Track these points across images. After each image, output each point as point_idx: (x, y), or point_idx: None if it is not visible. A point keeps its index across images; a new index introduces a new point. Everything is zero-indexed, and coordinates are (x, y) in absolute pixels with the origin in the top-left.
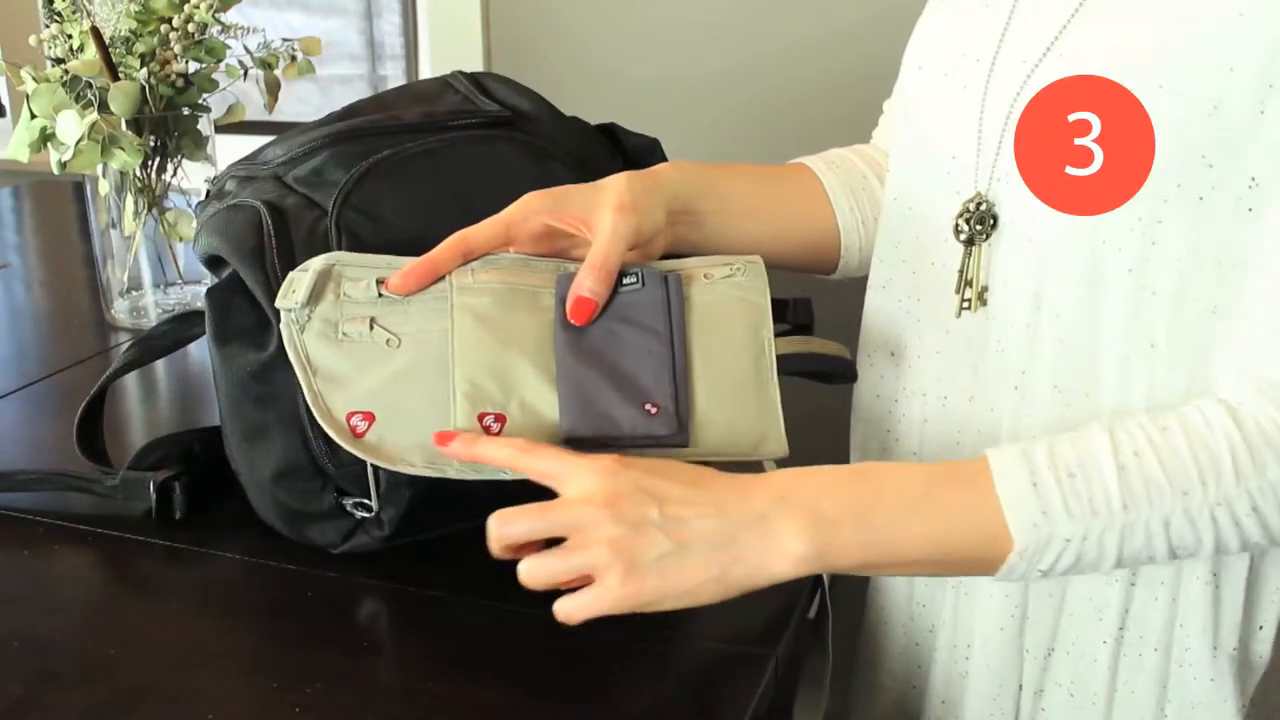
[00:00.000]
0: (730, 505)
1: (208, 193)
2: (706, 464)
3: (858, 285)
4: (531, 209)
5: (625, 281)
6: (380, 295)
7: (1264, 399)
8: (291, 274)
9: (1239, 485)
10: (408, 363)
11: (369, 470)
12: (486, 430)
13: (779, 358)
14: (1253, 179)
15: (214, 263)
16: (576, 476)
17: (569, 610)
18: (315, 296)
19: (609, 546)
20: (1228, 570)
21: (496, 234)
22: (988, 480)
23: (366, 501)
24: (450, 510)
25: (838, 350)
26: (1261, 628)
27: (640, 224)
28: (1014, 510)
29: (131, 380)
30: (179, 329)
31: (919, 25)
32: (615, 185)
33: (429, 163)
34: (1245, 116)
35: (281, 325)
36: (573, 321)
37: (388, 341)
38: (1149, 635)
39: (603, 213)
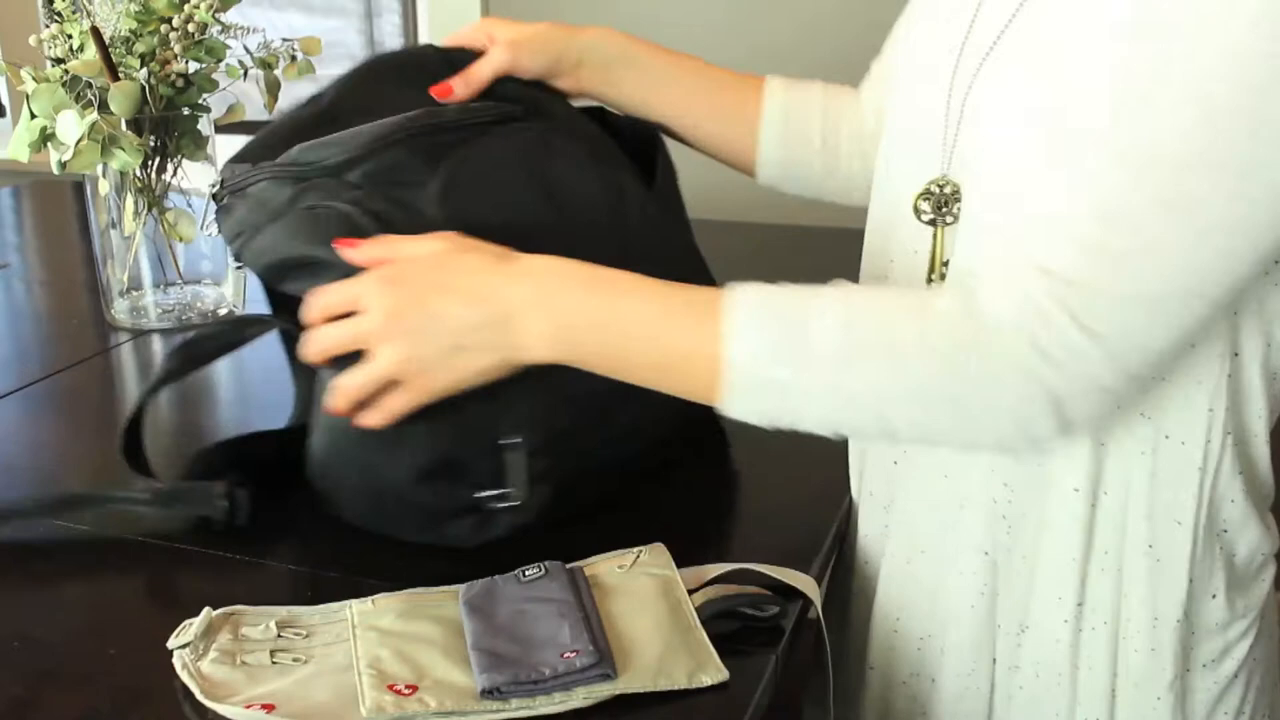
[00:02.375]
0: (491, 301)
1: (218, 196)
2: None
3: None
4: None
5: (528, 574)
6: (279, 635)
7: (1005, 290)
8: (185, 621)
9: (946, 368)
10: (311, 672)
11: (512, 461)
12: (399, 694)
13: (703, 605)
14: None
15: (280, 272)
16: (368, 292)
17: (352, 384)
18: (209, 634)
19: (386, 317)
20: (1167, 541)
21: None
22: (718, 311)
23: (509, 492)
24: (590, 487)
25: (756, 589)
26: (1215, 595)
27: (526, 57)
28: (732, 345)
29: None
30: (229, 333)
31: (905, 20)
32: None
33: (511, 158)
34: None
35: (174, 660)
36: (432, 93)
37: (294, 660)
38: (1100, 610)
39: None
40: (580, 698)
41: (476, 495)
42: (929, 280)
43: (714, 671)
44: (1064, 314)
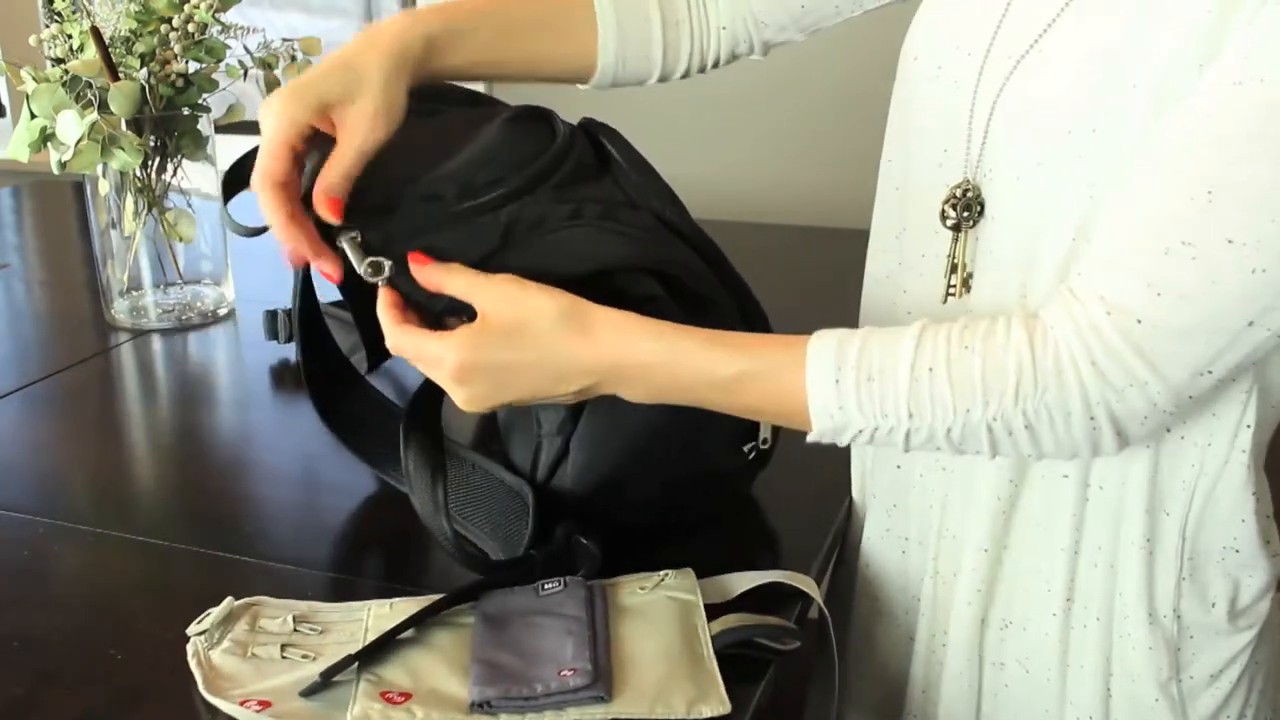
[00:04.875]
0: (570, 380)
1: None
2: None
3: (855, 282)
4: (297, 123)
5: (547, 587)
6: (295, 630)
7: (1072, 324)
8: (209, 609)
9: (1016, 405)
10: (315, 670)
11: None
12: (390, 702)
13: (720, 634)
14: None
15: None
16: (441, 381)
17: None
18: (227, 622)
19: (465, 403)
20: (1159, 537)
21: (288, 159)
22: (800, 370)
23: (765, 436)
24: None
25: (778, 621)
26: (1215, 605)
27: (393, 122)
28: (815, 400)
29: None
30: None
31: (917, 16)
32: (372, 85)
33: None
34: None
35: (188, 646)
36: (321, 213)
37: (303, 656)
38: (1091, 605)
39: (359, 120)
40: (571, 718)
41: (746, 445)
42: (949, 286)
43: (716, 703)
44: (1127, 346)
